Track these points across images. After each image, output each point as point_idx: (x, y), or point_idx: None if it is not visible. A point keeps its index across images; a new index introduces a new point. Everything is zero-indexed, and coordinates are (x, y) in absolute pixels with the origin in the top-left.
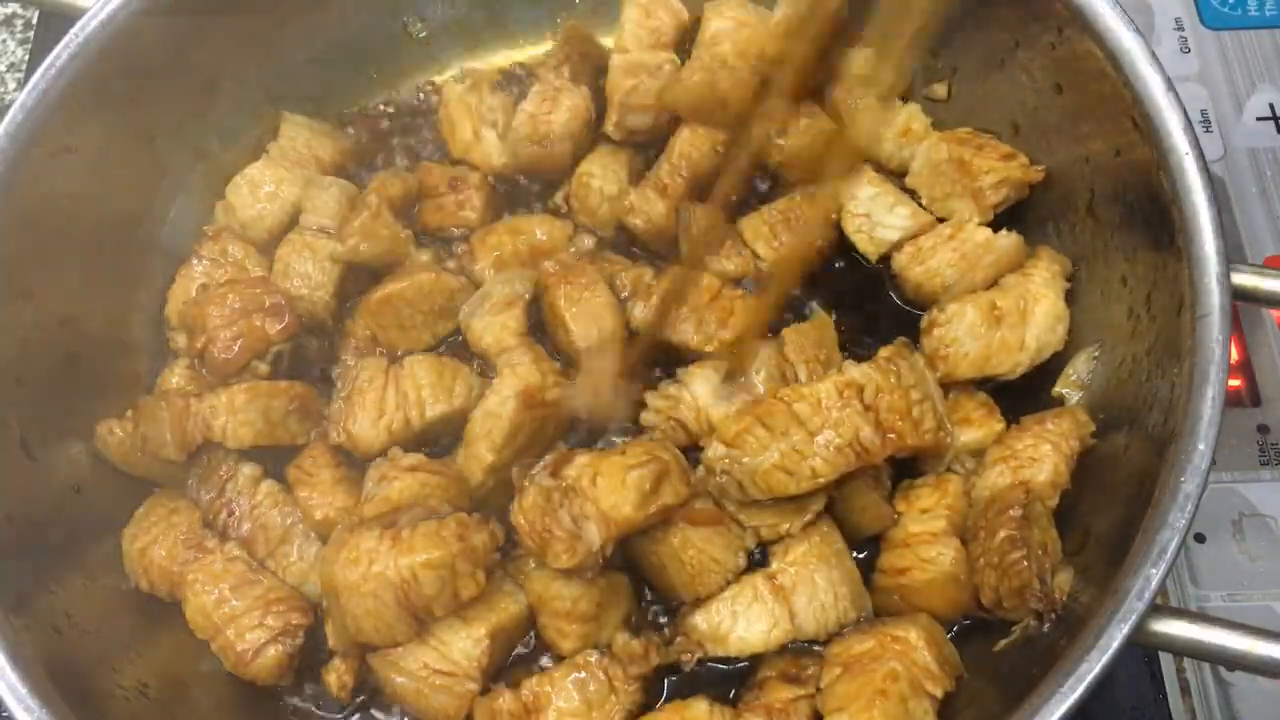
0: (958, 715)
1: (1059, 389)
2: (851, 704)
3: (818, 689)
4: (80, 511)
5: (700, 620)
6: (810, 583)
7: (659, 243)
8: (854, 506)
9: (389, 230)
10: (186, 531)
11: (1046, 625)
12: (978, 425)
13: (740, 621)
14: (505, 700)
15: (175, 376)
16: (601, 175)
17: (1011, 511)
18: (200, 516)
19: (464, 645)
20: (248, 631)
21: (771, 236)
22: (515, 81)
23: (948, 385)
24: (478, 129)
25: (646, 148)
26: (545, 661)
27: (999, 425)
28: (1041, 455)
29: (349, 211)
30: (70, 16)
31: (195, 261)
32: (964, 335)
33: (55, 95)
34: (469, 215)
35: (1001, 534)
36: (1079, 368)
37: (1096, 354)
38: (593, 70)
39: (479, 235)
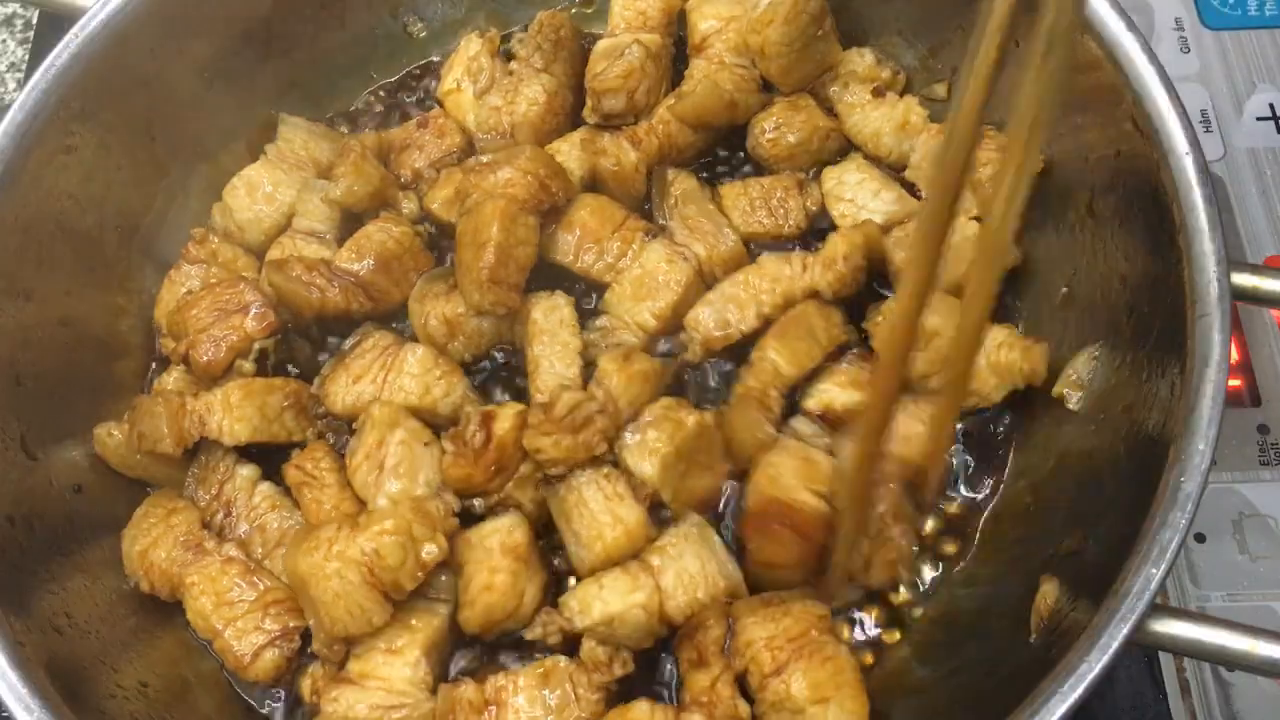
0: (957, 715)
1: (1059, 389)
2: (836, 693)
3: (727, 666)
4: (80, 511)
5: (570, 599)
6: (679, 560)
7: (623, 190)
8: (737, 425)
9: (377, 170)
10: (185, 532)
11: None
12: (845, 389)
13: (605, 592)
14: (467, 690)
15: (172, 379)
16: (568, 154)
17: (891, 485)
18: (198, 517)
19: (404, 673)
20: (246, 634)
21: (749, 210)
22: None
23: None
24: (461, 80)
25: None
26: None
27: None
28: (912, 433)
29: (338, 157)
30: (70, 16)
31: (184, 265)
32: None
33: (55, 95)
34: (454, 140)
35: (882, 508)
36: (1079, 368)
37: (1096, 354)
38: (569, 58)
39: (446, 174)
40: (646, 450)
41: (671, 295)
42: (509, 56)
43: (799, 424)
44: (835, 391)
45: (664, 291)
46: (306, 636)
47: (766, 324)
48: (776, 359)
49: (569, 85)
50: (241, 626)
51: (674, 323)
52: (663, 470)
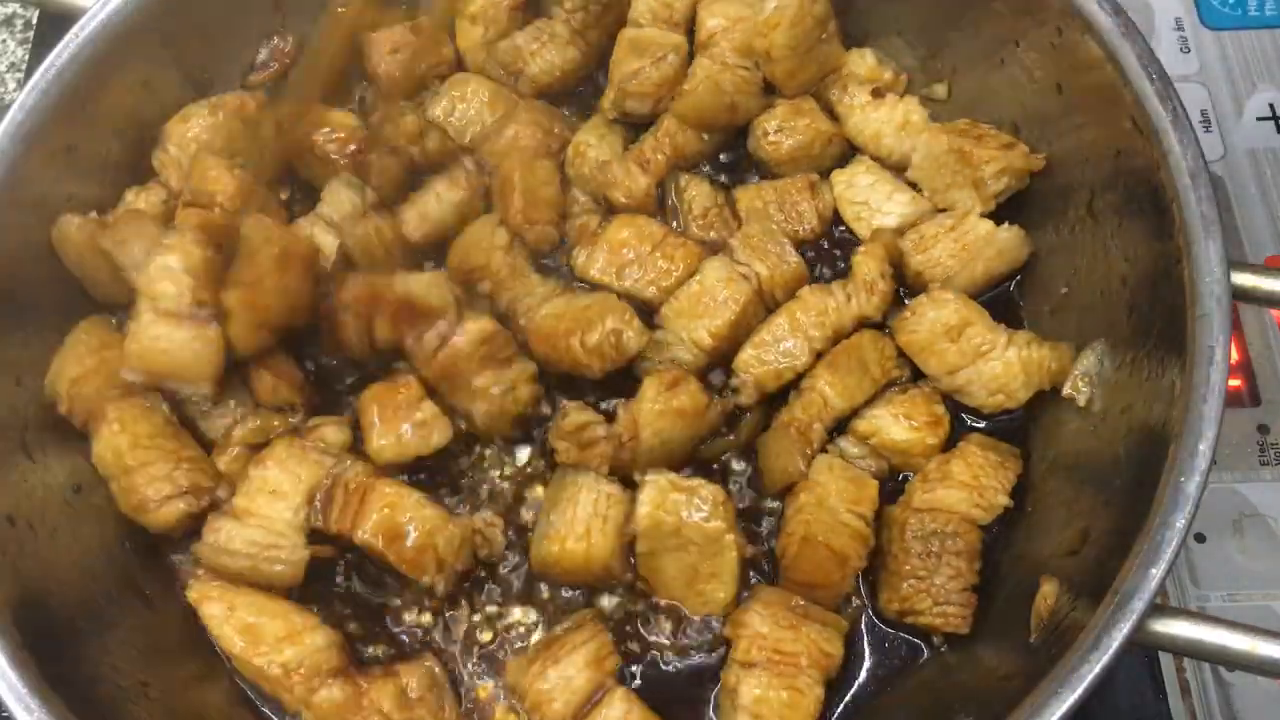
0: (956, 715)
1: (1068, 389)
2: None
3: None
4: (80, 511)
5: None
6: None
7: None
8: (771, 452)
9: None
10: (117, 370)
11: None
12: (913, 430)
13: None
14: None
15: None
16: (598, 145)
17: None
18: None
19: (285, 515)
20: (156, 480)
21: (764, 214)
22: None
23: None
24: (476, 15)
25: (640, 127)
26: None
27: (934, 441)
28: (998, 504)
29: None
30: (70, 16)
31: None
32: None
33: (55, 95)
34: (446, 53)
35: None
36: (1086, 365)
37: (1102, 351)
38: (607, 26)
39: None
40: (653, 507)
41: (729, 314)
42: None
43: (845, 444)
44: (887, 421)
45: (722, 310)
46: (215, 506)
47: (818, 358)
48: (827, 390)
49: (593, 54)
50: (154, 472)
51: (732, 342)
52: (652, 531)
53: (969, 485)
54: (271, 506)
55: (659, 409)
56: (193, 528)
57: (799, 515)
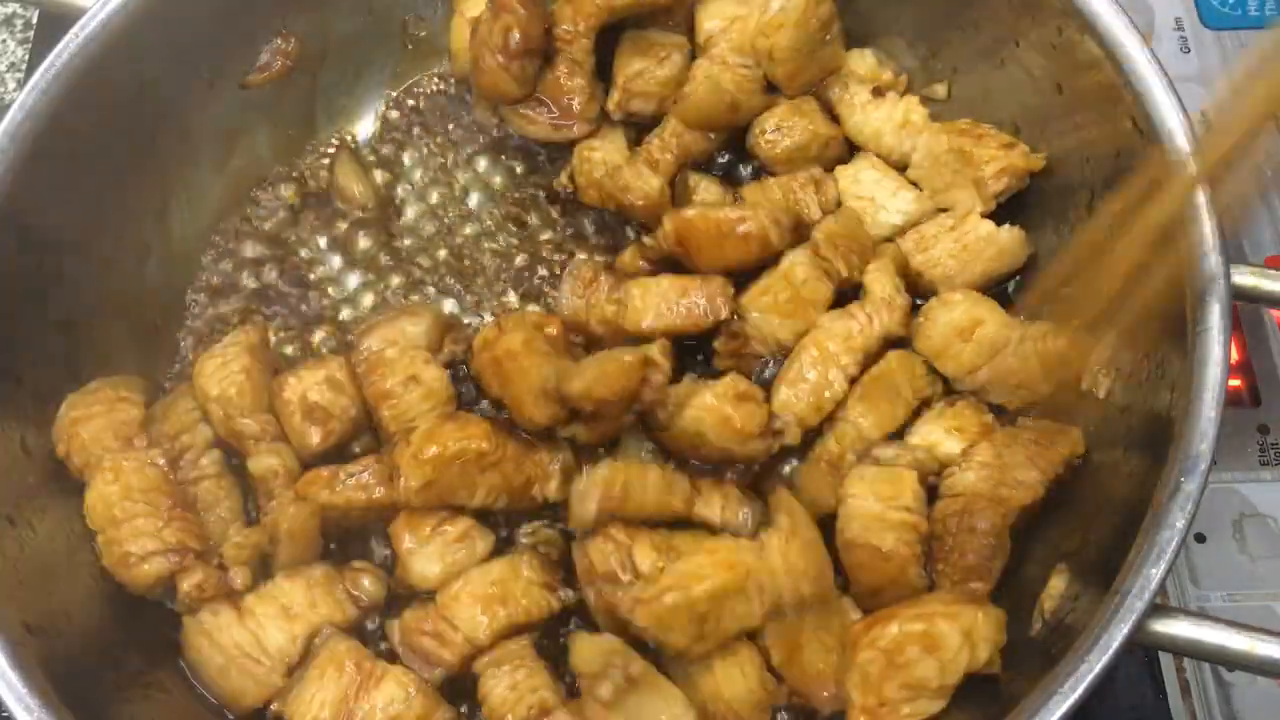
0: (955, 715)
1: (1087, 381)
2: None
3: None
4: (81, 512)
5: None
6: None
7: (654, 219)
8: (806, 488)
9: None
10: (123, 423)
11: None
12: (968, 441)
13: None
14: None
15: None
16: (603, 147)
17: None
18: (142, 418)
19: (278, 640)
20: (141, 536)
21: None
22: None
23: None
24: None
25: (643, 127)
26: None
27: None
28: (1030, 479)
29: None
30: (70, 16)
31: None
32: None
33: (55, 95)
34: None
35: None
36: (1103, 353)
37: (1113, 341)
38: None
39: None
40: None
41: (812, 318)
42: None
43: (879, 450)
44: (940, 437)
45: (806, 311)
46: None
47: (853, 382)
48: (861, 422)
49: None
50: (140, 526)
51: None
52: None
53: (989, 464)
54: (275, 623)
55: (722, 410)
56: (170, 589)
57: (842, 530)
